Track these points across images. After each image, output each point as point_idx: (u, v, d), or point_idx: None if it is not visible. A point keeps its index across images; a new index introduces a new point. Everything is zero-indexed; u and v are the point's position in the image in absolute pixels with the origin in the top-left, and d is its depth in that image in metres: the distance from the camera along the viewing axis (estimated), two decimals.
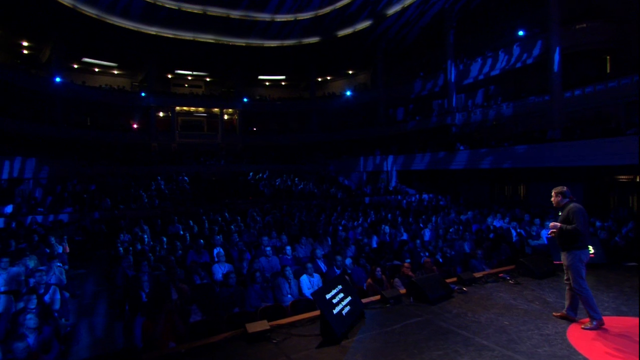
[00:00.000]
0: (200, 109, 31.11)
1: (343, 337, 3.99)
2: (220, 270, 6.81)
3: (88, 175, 19.42)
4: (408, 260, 7.17)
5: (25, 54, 24.93)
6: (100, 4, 21.41)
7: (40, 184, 16.92)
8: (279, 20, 25.76)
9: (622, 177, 15.00)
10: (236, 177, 23.55)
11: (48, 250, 8.02)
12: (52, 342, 4.08)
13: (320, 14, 25.18)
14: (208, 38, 26.30)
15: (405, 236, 10.22)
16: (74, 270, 8.54)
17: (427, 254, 8.21)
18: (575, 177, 14.47)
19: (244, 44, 27.49)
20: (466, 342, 3.83)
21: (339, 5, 24.15)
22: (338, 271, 6.60)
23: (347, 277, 6.16)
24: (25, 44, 24.21)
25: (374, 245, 9.56)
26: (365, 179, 24.51)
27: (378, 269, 6.11)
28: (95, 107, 26.74)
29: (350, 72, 33.94)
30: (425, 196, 20.02)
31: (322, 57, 30.11)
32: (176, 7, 23.16)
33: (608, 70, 17.23)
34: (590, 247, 5.35)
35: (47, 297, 5.26)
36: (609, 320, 4.15)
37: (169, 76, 31.91)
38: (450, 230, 10.14)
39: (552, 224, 4.35)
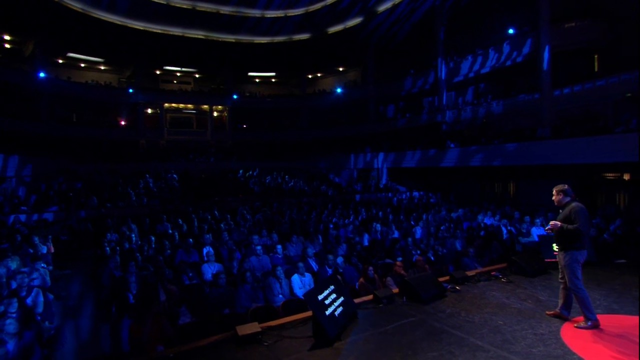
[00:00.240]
0: (189, 105, 30.70)
1: (336, 338, 3.91)
2: (209, 270, 6.70)
3: (74, 173, 18.98)
4: (400, 259, 7.13)
5: (7, 47, 24.18)
6: None
7: (23, 182, 16.49)
8: (269, 16, 25.46)
9: (609, 174, 15.21)
10: (226, 174, 23.31)
11: (31, 251, 7.79)
12: (33, 347, 3.93)
13: (311, 10, 24.96)
14: (197, 34, 25.88)
15: (396, 234, 10.20)
16: (59, 270, 8.29)
17: (418, 252, 8.20)
18: (564, 175, 14.61)
19: (233, 40, 27.13)
20: (461, 343, 3.79)
21: (329, 1, 23.95)
22: (330, 270, 6.54)
23: (338, 276, 6.10)
24: (7, 37, 23.46)
25: (366, 243, 9.52)
26: (356, 176, 24.46)
27: (370, 268, 6.06)
28: (81, 103, 26.16)
29: (341, 69, 33.80)
30: (415, 193, 20.07)
31: (312, 54, 29.88)
32: (165, 2, 22.69)
33: (596, 69, 17.41)
34: None
35: (29, 300, 5.08)
36: (602, 319, 4.14)
37: (158, 72, 31.36)
38: (442, 228, 10.15)
39: (552, 222, 4.29)
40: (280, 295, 5.76)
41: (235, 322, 4.33)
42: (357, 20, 25.36)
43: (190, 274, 6.51)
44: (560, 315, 4.34)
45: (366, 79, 29.70)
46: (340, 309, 4.22)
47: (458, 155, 18.32)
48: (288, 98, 33.07)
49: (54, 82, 23.56)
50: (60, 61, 26.91)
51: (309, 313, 4.40)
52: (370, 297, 5.10)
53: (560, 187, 4.41)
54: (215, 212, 13.33)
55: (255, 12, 25.06)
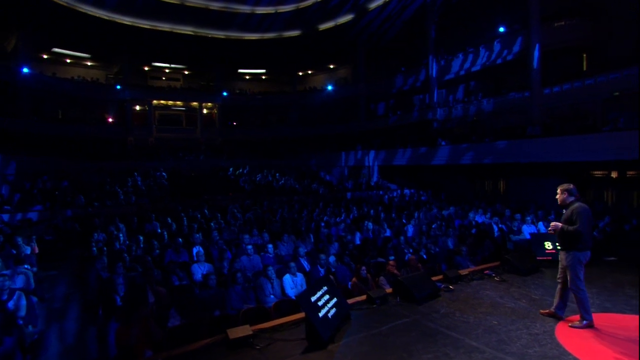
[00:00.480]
0: (178, 102, 30.32)
1: (329, 341, 3.83)
2: (199, 270, 6.56)
3: (60, 171, 18.56)
4: (392, 258, 7.08)
5: None
6: None
7: (7, 181, 16.05)
8: (259, 12, 25.21)
9: (597, 172, 15.39)
10: (216, 172, 23.08)
11: (14, 252, 7.56)
12: (14, 353, 3.77)
13: (301, 6, 24.78)
14: (186, 30, 25.52)
15: (388, 232, 10.16)
16: (43, 272, 8.08)
17: (411, 250, 8.16)
18: (553, 173, 14.75)
19: (223, 37, 26.81)
20: (456, 344, 3.73)
21: None
22: (322, 270, 6.45)
23: (331, 276, 6.03)
24: None
25: (357, 242, 9.46)
26: (347, 174, 24.41)
27: (363, 267, 5.99)
28: (67, 100, 25.62)
29: (332, 66, 33.70)
30: (406, 191, 20.10)
31: (303, 51, 29.72)
32: None
33: (585, 68, 17.58)
34: None
35: (10, 304, 4.89)
36: (596, 318, 4.13)
37: (146, 69, 30.90)
38: (433, 226, 10.14)
39: (552, 223, 4.25)
40: (272, 296, 5.66)
41: (226, 324, 4.23)
42: (348, 17, 25.25)
43: (180, 275, 6.37)
44: (555, 315, 4.31)
45: (357, 76, 29.65)
46: (333, 310, 4.14)
47: (449, 153, 18.39)
48: (278, 95, 32.90)
49: (38, 78, 23.03)
50: (45, 56, 26.34)
51: (302, 314, 4.31)
52: (364, 297, 5.03)
53: (565, 186, 4.34)
54: (205, 210, 13.15)
55: (245, 8, 24.80)
